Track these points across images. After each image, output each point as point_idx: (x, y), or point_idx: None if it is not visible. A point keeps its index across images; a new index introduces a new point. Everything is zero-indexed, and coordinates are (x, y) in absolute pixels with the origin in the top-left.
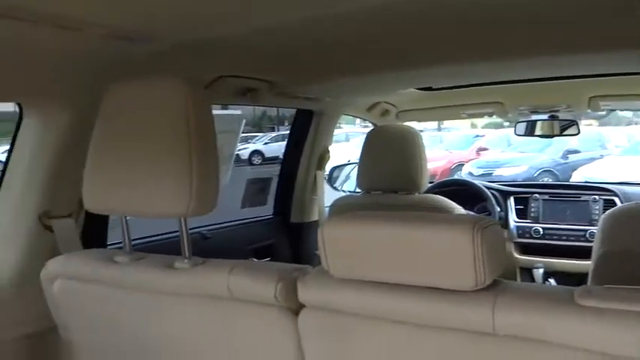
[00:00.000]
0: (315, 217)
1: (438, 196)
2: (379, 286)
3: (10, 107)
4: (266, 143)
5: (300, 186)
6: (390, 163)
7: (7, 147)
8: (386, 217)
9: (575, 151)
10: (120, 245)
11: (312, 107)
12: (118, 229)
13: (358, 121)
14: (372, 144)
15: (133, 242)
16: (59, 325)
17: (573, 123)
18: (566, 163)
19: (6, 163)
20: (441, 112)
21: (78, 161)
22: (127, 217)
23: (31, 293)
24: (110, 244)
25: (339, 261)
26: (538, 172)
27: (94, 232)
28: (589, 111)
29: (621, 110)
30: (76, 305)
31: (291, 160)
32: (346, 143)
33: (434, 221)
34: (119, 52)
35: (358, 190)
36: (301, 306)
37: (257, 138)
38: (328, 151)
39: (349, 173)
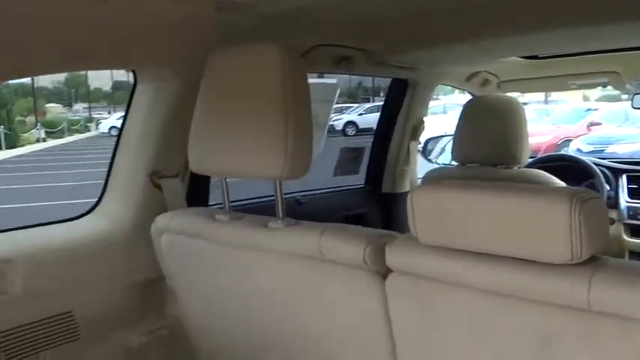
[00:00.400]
0: (407, 189)
1: (539, 170)
2: (468, 254)
3: (124, 77)
4: (360, 114)
5: (392, 156)
6: (489, 134)
7: (123, 113)
8: (479, 186)
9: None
10: (220, 205)
11: (407, 76)
12: (218, 191)
13: (457, 92)
14: (470, 114)
15: (232, 204)
16: (166, 275)
17: None
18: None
19: (122, 127)
20: (547, 83)
21: (185, 124)
22: (227, 179)
23: (142, 245)
24: (211, 205)
25: (427, 227)
26: None
27: (197, 192)
28: None
29: None
30: (180, 257)
31: (384, 130)
32: (444, 115)
33: (529, 191)
34: (224, 20)
35: (454, 163)
36: (389, 270)
37: (352, 109)
38: (423, 122)
39: (445, 146)
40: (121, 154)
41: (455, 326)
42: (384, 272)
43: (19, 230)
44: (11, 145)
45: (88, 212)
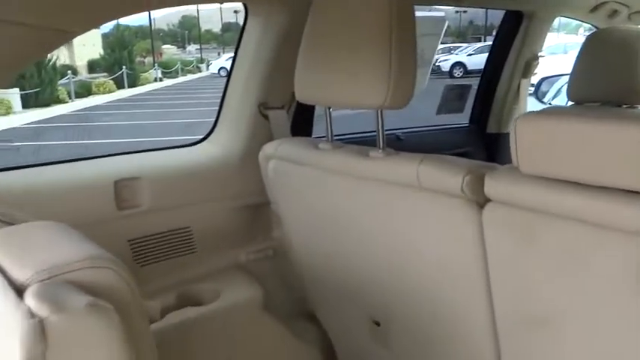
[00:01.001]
0: None
1: None
2: (571, 185)
3: (233, 18)
4: (470, 54)
5: (501, 94)
6: (614, 70)
7: (231, 54)
8: (586, 114)
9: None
10: (322, 137)
11: (523, 7)
12: (319, 125)
13: (581, 30)
14: (593, 47)
15: (334, 138)
16: (271, 200)
17: None
18: None
19: (233, 61)
20: None
21: (292, 58)
22: (331, 110)
23: (251, 171)
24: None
25: (530, 156)
26: None
27: (301, 123)
28: None
29: None
30: (284, 183)
31: (493, 67)
32: (564, 55)
33: None
34: None
35: (570, 104)
36: (487, 200)
37: (460, 49)
38: (537, 59)
39: (561, 87)
40: (232, 86)
41: (550, 257)
42: (482, 202)
43: (146, 153)
44: (132, 84)
45: (202, 140)
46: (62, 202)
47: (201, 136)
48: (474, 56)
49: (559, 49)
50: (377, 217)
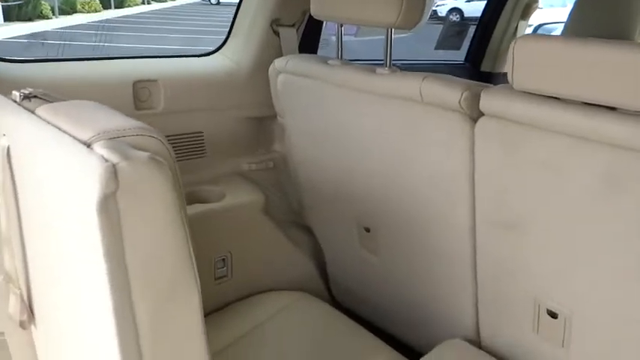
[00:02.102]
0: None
1: None
2: (557, 101)
3: None
4: (468, 0)
5: (498, 34)
6: (613, 12)
7: None
8: (577, 39)
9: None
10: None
11: None
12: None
13: None
14: None
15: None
16: (277, 112)
17: None
18: None
19: None
20: None
21: None
22: (343, 27)
23: (260, 84)
24: None
25: (523, 74)
26: None
27: (308, 43)
28: None
29: None
30: (292, 95)
31: (493, 7)
32: (562, 9)
33: (630, 44)
34: None
35: None
36: (481, 114)
37: None
38: (537, 1)
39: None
40: (246, 1)
41: (532, 166)
42: (476, 116)
43: (163, 58)
44: (119, 5)
45: (215, 51)
46: (84, 97)
47: (213, 48)
48: (472, 2)
49: (558, 2)
50: (379, 129)
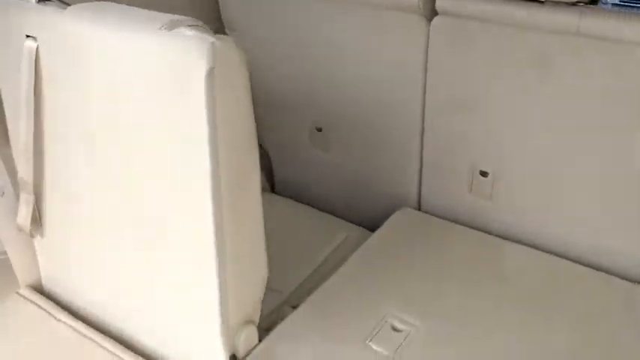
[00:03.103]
0: None
1: None
2: None
3: None
4: None
5: None
6: None
7: None
8: None
9: None
10: None
11: None
12: None
13: None
14: None
15: None
16: (227, 26)
17: None
18: None
19: None
20: None
21: None
22: None
23: (201, 2)
24: None
25: None
26: None
27: None
28: None
29: None
30: (249, 6)
31: None
32: None
33: None
34: None
35: None
36: (436, 13)
37: None
38: None
39: None
40: None
41: (480, 55)
42: (432, 16)
43: None
44: None
45: None
46: None
47: None
48: None
49: None
50: (339, 35)
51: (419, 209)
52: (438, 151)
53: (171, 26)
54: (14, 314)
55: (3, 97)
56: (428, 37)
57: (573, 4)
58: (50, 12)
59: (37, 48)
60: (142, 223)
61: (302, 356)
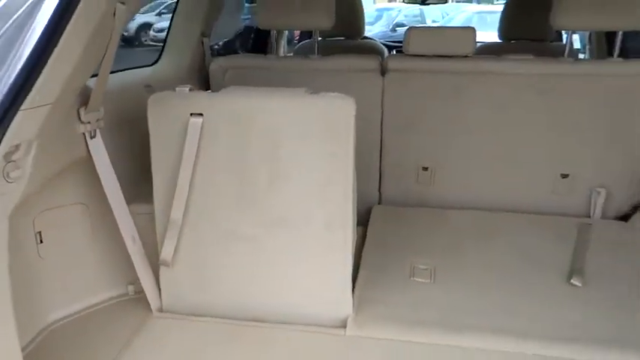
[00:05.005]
0: None
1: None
2: (424, 56)
3: None
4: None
5: None
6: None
7: None
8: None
9: (402, 25)
10: None
11: None
12: None
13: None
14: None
15: None
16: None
17: None
18: (394, 34)
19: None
20: None
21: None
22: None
23: (193, 83)
24: None
25: (412, 44)
26: None
27: (260, 45)
28: None
29: None
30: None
31: None
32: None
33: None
34: None
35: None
36: (388, 70)
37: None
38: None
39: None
40: (177, 18)
41: (417, 91)
42: (385, 72)
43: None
44: None
45: (155, 62)
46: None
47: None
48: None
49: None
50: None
51: (379, 203)
52: (393, 157)
53: (314, 92)
54: (168, 328)
55: (153, 160)
56: (383, 85)
57: (466, 56)
58: (206, 95)
59: (203, 122)
60: (283, 224)
61: (385, 292)
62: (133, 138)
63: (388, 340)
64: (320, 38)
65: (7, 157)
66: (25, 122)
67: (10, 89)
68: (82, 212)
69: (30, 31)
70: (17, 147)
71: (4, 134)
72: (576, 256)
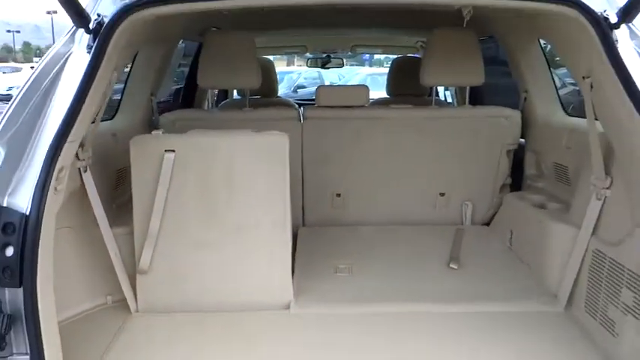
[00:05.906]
0: None
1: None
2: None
3: None
4: None
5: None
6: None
7: None
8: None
9: (303, 87)
10: None
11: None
12: None
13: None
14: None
15: None
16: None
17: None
18: (295, 94)
19: (131, 68)
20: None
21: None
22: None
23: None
24: None
25: (323, 97)
26: None
27: (188, 102)
28: (350, 53)
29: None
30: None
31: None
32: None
33: None
34: None
35: None
36: (305, 119)
37: None
38: None
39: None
40: (132, 82)
41: (329, 135)
42: (303, 121)
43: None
44: None
45: (113, 116)
46: None
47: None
48: None
49: None
50: None
51: (304, 225)
52: (312, 187)
53: (258, 132)
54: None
55: (133, 186)
56: (302, 130)
57: (363, 106)
58: (176, 136)
59: (175, 156)
60: (239, 230)
61: (316, 282)
62: (109, 173)
63: (321, 313)
64: (241, 97)
65: (57, 175)
66: (67, 151)
67: (61, 127)
68: (68, 234)
69: (54, 92)
70: (62, 169)
71: (57, 159)
72: (453, 250)
